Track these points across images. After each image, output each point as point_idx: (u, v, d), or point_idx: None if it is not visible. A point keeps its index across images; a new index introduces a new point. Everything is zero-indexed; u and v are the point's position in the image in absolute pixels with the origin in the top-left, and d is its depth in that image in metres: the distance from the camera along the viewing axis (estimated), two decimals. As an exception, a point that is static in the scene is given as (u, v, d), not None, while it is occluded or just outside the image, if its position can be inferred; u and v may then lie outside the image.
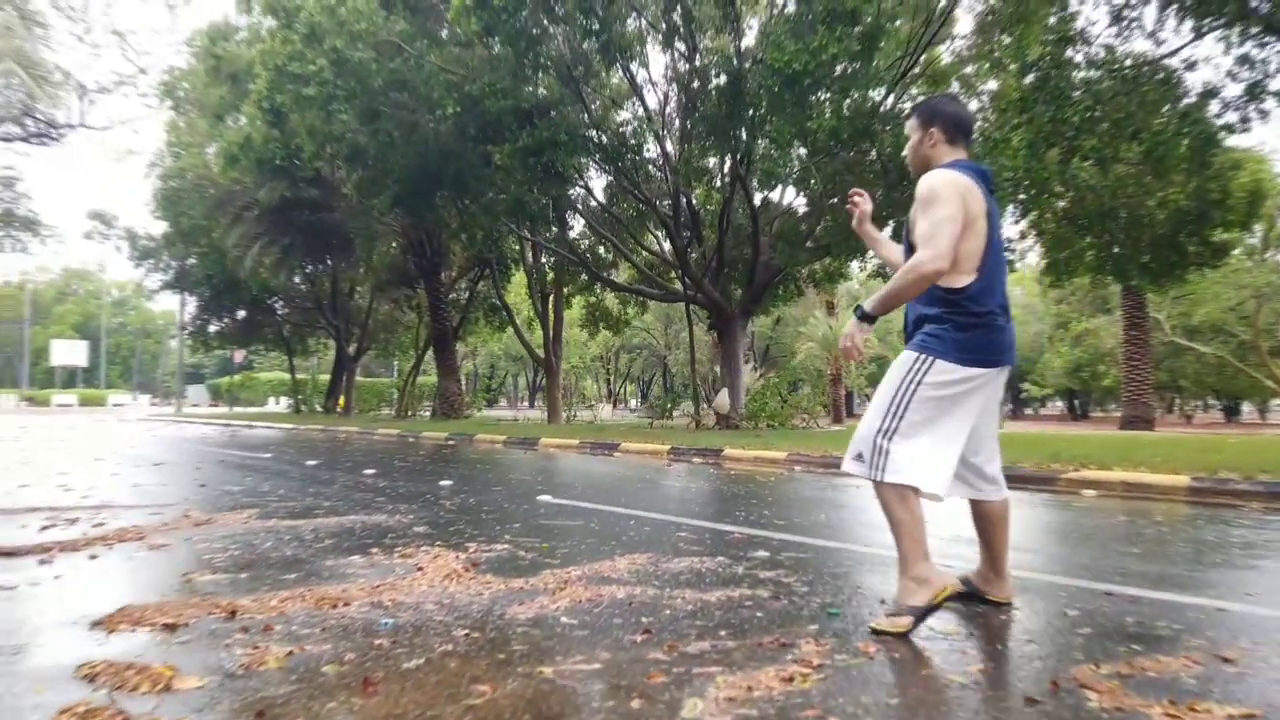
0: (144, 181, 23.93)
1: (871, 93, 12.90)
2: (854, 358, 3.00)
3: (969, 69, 14.50)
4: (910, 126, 3.14)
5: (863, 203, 3.32)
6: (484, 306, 25.26)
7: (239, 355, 35.91)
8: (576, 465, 10.27)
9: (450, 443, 14.43)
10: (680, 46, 14.35)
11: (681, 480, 8.26)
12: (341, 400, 27.00)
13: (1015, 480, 5.39)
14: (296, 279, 25.42)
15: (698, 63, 14.44)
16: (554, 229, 17.85)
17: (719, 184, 16.89)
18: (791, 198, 17.20)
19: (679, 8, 13.44)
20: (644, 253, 19.02)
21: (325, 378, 31.90)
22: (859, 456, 2.92)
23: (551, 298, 21.23)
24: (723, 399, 16.70)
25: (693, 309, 19.54)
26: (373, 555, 4.09)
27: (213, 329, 28.96)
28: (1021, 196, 11.93)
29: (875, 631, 2.75)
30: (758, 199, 16.05)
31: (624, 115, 16.39)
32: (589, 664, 2.44)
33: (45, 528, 4.89)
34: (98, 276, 57.99)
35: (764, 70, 11.49)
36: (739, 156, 14.54)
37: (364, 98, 13.20)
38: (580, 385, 44.17)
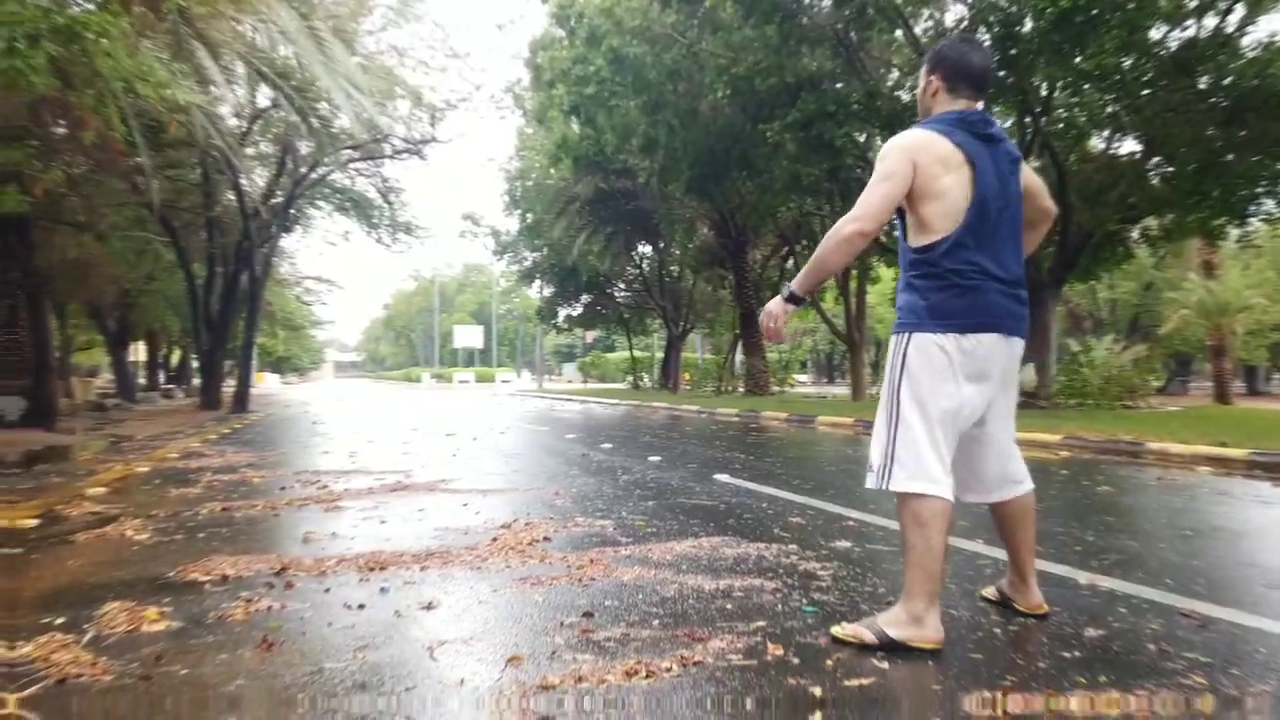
0: (499, 184, 26.85)
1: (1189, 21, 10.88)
2: (776, 340, 2.82)
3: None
4: (922, 70, 2.81)
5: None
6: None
7: (589, 336, 39.37)
8: (825, 444, 10.06)
9: (735, 419, 14.78)
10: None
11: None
12: (687, 375, 28.53)
13: None
14: (624, 264, 27.26)
15: (965, 14, 13.16)
16: (836, 202, 17.33)
17: (1016, 138, 15.24)
18: (1104, 146, 15.01)
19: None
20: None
21: (661, 355, 33.84)
22: (870, 466, 2.64)
23: (855, 273, 20.64)
24: (1028, 374, 15.15)
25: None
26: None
27: (562, 313, 32.06)
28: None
29: (834, 638, 2.54)
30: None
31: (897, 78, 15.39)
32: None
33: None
34: (489, 269, 67.00)
35: (1034, 11, 10.21)
36: (1031, 108, 13.04)
37: (642, 90, 13.87)
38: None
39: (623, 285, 30.98)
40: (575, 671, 2.26)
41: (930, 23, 13.72)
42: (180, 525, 4.61)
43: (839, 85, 13.58)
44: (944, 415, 2.55)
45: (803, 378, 45.12)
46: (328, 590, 3.18)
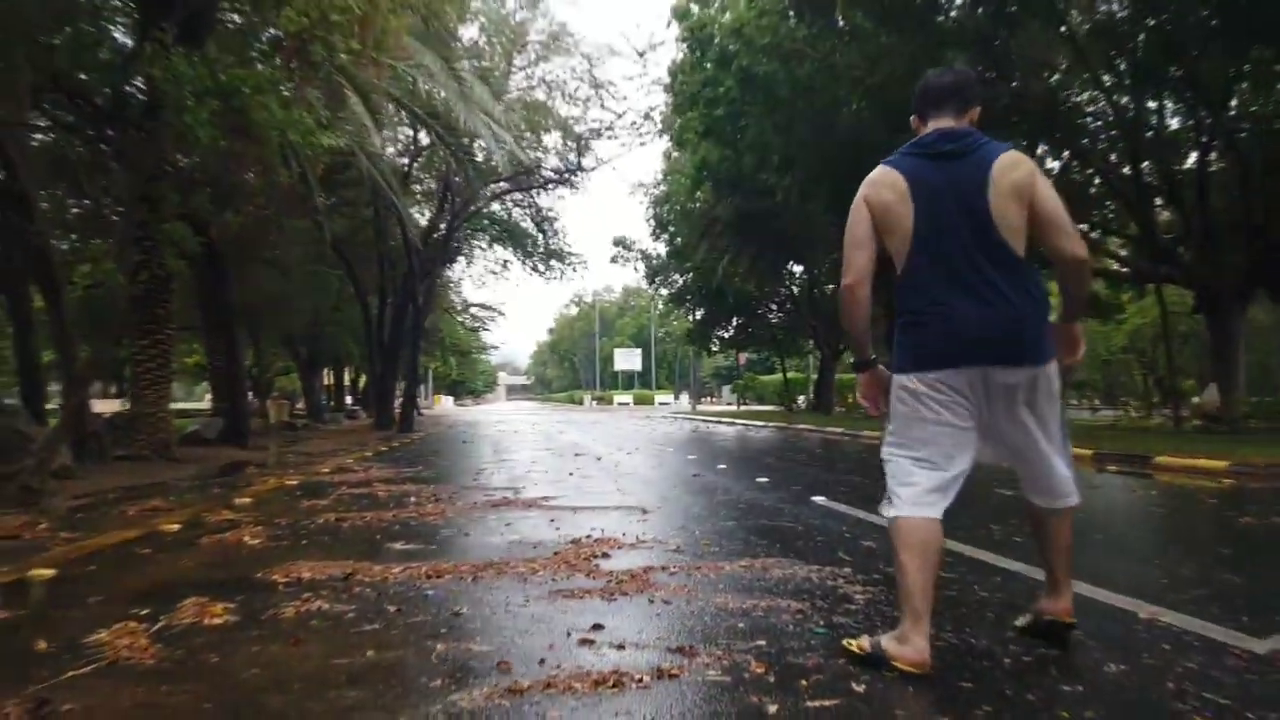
0: (646, 209, 27.40)
1: None
2: (874, 412, 2.74)
3: None
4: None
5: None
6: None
7: (743, 358, 39.28)
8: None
9: (875, 443, 14.39)
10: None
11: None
12: (853, 396, 27.97)
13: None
14: (774, 284, 27.02)
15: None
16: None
17: (1192, 134, 14.06)
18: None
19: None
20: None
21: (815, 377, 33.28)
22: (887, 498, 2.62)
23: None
24: (1210, 394, 13.91)
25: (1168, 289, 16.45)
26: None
27: (714, 335, 32.14)
28: None
29: (844, 649, 2.57)
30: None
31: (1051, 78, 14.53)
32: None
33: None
34: (646, 293, 68.10)
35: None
36: (1207, 102, 12.02)
37: (774, 108, 13.83)
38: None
39: (774, 306, 30.79)
40: (549, 679, 2.36)
41: (1085, 15, 12.91)
42: (293, 533, 5.04)
43: (985, 89, 13.03)
44: (926, 441, 2.53)
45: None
46: (378, 595, 3.42)
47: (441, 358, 40.57)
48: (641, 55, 19.78)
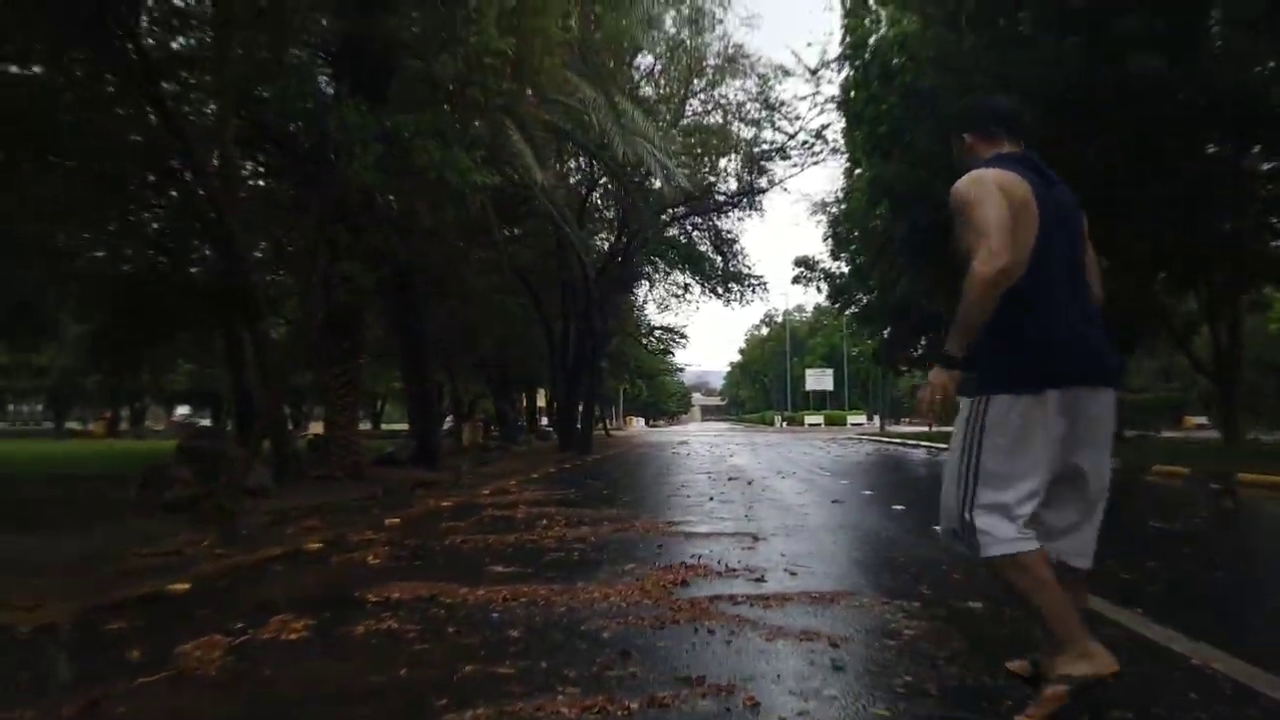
0: (826, 228, 26.86)
1: None
2: (930, 419, 2.54)
3: None
4: (954, 141, 2.71)
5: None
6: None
7: (935, 377, 37.29)
8: (1147, 495, 8.72)
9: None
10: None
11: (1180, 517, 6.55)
12: None
13: None
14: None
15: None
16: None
17: None
18: None
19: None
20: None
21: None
22: (953, 533, 2.45)
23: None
24: None
25: None
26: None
27: (902, 354, 30.89)
28: None
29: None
30: None
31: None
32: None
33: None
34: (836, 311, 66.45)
35: None
36: None
37: (935, 123, 13.20)
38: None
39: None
40: (548, 706, 2.38)
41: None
42: (413, 554, 5.35)
43: (1173, 88, 11.86)
44: (1037, 464, 2.42)
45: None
46: (448, 616, 3.56)
47: (630, 380, 41.57)
48: (814, 73, 19.39)
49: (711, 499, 8.56)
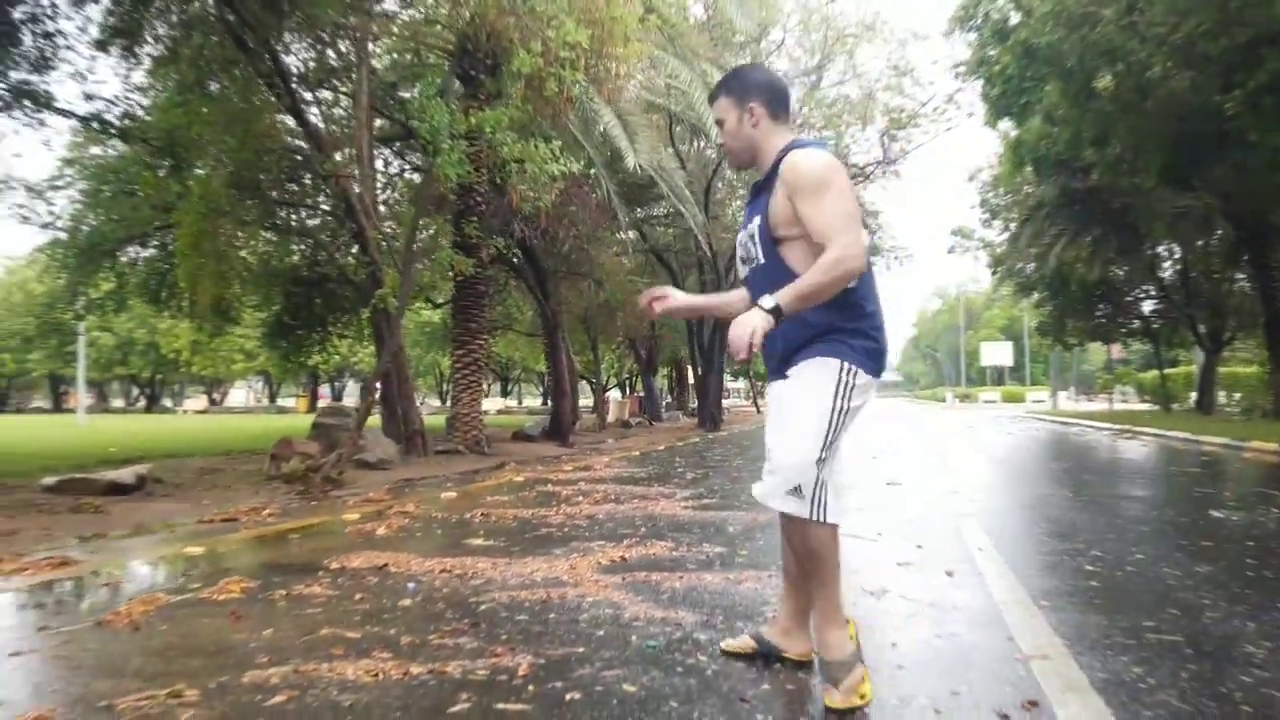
0: (977, 195, 25.50)
1: None
2: (745, 358, 2.39)
3: None
4: (721, 107, 2.63)
5: (662, 301, 2.81)
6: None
7: (1115, 350, 34.67)
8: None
9: (1221, 451, 12.25)
10: None
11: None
12: (1239, 394, 24.01)
13: None
14: (1137, 270, 23.71)
15: None
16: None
17: None
18: None
19: None
20: None
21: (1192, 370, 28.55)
22: (797, 490, 2.42)
23: None
24: None
25: None
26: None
27: (1070, 325, 28.94)
28: None
29: (830, 710, 2.33)
30: None
31: None
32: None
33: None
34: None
35: None
36: None
37: (1064, 79, 12.31)
38: None
39: (1150, 292, 26.97)
40: (343, 669, 2.68)
41: None
42: (425, 526, 5.80)
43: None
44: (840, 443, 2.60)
45: None
46: (381, 584, 3.93)
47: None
48: (947, 37, 18.43)
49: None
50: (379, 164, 16.05)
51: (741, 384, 51.73)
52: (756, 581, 3.86)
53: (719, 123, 2.65)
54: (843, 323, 2.45)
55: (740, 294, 2.78)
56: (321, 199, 16.12)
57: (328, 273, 17.30)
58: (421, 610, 3.44)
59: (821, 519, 2.41)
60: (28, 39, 10.24)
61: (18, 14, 9.98)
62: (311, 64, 14.08)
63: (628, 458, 12.21)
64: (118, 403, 62.23)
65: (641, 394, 35.51)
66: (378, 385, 11.70)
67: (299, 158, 14.39)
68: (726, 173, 22.49)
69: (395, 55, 15.21)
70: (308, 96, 14.20)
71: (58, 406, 56.56)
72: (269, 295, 18.42)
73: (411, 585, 3.89)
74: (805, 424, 2.43)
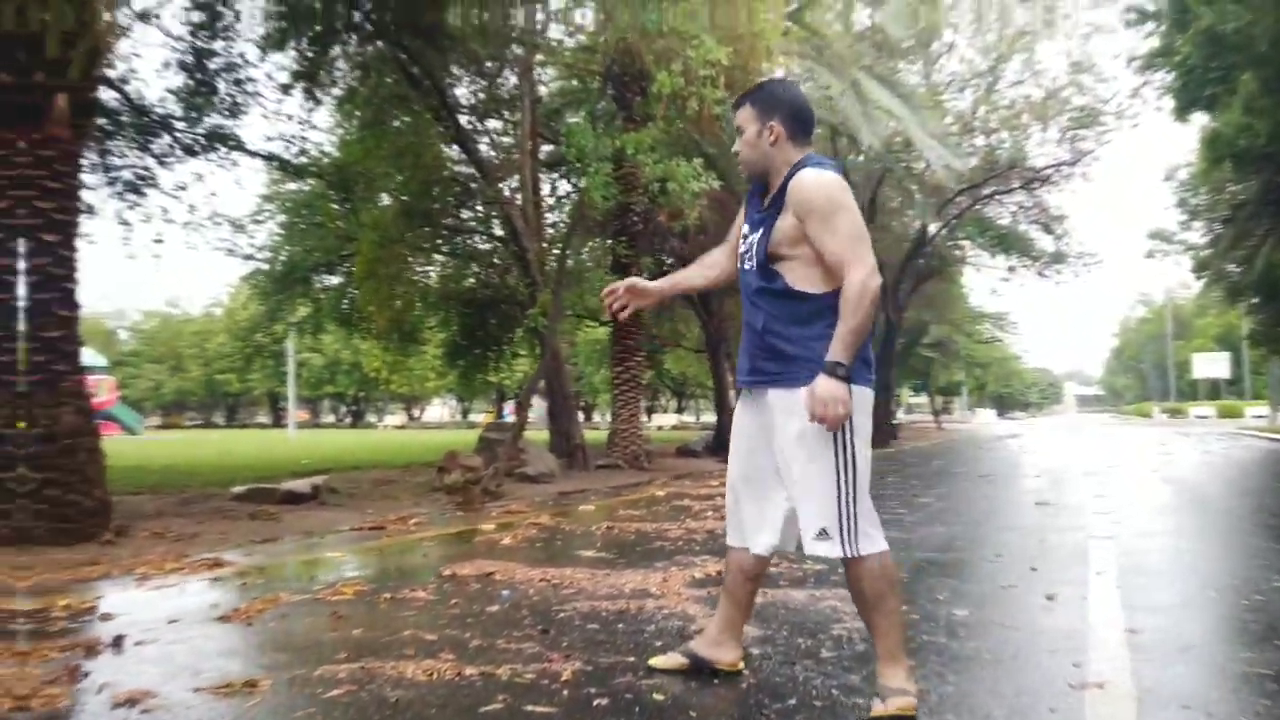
0: (1175, 195, 23.42)
1: None
2: (835, 428, 2.35)
3: None
4: (743, 117, 2.59)
5: (626, 295, 2.85)
6: None
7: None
8: None
9: None
10: None
11: None
12: None
13: None
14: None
15: None
16: None
17: None
18: None
19: None
20: None
21: None
22: (823, 533, 2.40)
23: None
24: None
25: None
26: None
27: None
28: None
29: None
30: None
31: None
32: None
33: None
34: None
35: None
36: None
37: (1258, 65, 11.08)
38: None
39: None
40: (407, 668, 2.85)
41: None
42: (557, 536, 6.03)
43: None
44: None
45: None
46: (479, 591, 4.12)
47: (965, 370, 39.30)
48: (1128, 25, 17.02)
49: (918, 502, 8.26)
50: (545, 187, 16.69)
51: (923, 398, 49.75)
52: (838, 599, 3.76)
53: (739, 130, 2.63)
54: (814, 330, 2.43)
55: (710, 261, 2.88)
56: (494, 224, 16.99)
57: (498, 295, 18.19)
58: (503, 616, 3.59)
59: (857, 553, 2.37)
60: (222, 86, 11.45)
61: (213, 65, 11.20)
62: (481, 95, 14.97)
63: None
64: (328, 418, 67.72)
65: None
66: (530, 402, 12.17)
67: (473, 185, 15.22)
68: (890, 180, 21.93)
69: (561, 83, 15.89)
70: (478, 126, 15.12)
71: (276, 422, 62.37)
72: (447, 317, 19.56)
73: (505, 593, 4.06)
74: (815, 460, 2.39)
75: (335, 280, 17.51)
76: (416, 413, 69.17)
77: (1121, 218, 63.12)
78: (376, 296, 13.90)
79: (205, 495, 9.13)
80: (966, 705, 2.47)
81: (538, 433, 15.65)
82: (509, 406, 62.49)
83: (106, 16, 6.85)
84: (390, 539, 6.15)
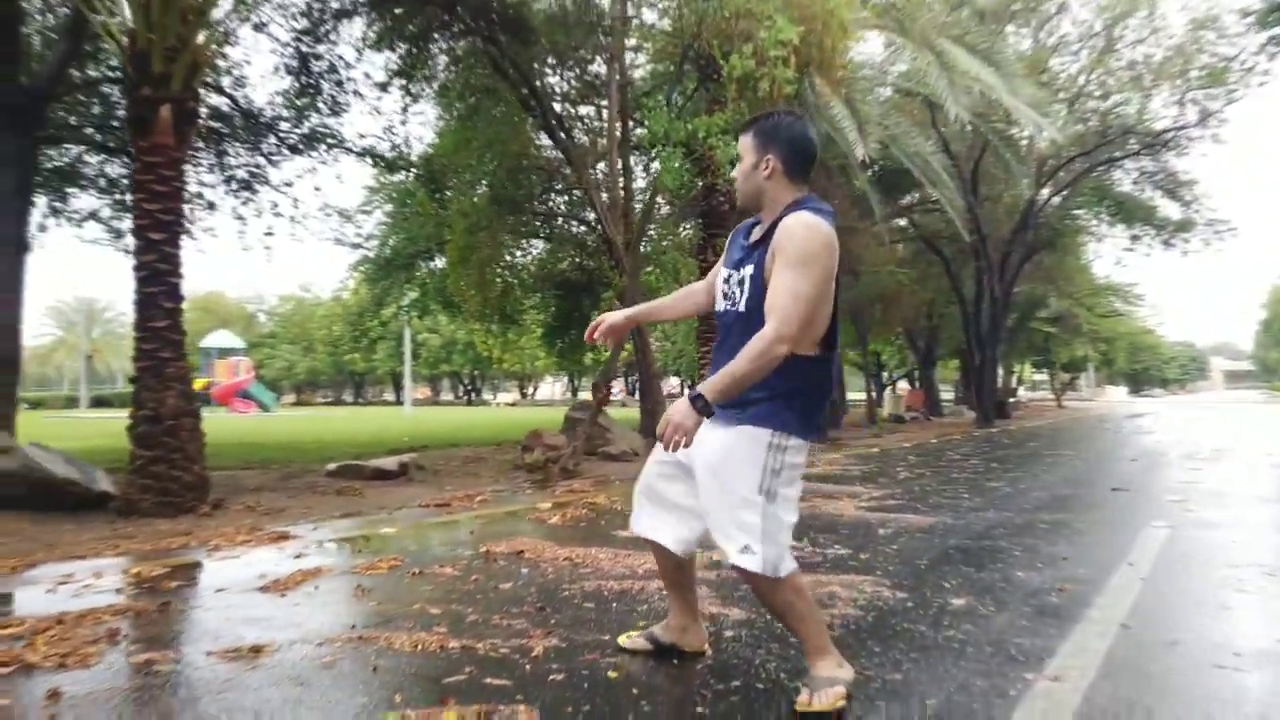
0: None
1: None
2: (676, 450, 2.38)
3: None
4: (744, 145, 2.55)
5: (606, 326, 2.85)
6: None
7: None
8: None
9: None
10: None
11: None
12: None
13: None
14: None
15: None
16: None
17: None
18: None
19: None
20: None
21: None
22: (746, 549, 2.45)
23: None
24: None
25: None
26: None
27: None
28: None
29: (803, 715, 2.38)
30: None
31: None
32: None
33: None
34: None
35: None
36: None
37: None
38: None
39: None
40: (414, 639, 3.12)
41: None
42: (603, 516, 6.24)
43: None
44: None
45: None
46: (504, 568, 4.37)
47: (1089, 345, 37.46)
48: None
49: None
50: (638, 170, 16.85)
51: (1043, 375, 47.68)
52: (843, 586, 3.83)
53: (738, 156, 2.61)
54: (779, 383, 2.39)
55: (686, 293, 2.89)
56: (585, 209, 17.29)
57: (591, 278, 18.52)
58: (510, 594, 3.82)
59: (776, 573, 2.44)
60: (326, 87, 12.13)
61: (317, 67, 11.88)
62: (573, 82, 15.26)
63: (863, 454, 11.97)
64: (447, 396, 70.27)
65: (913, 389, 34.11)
66: (609, 383, 12.43)
67: (565, 171, 15.55)
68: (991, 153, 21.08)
69: (652, 66, 16.00)
70: (570, 112, 15.42)
71: (398, 399, 65.23)
72: (544, 300, 20.06)
73: (524, 571, 4.30)
74: (734, 488, 2.46)
75: (438, 264, 18.20)
76: (530, 390, 70.92)
77: (1265, 181, 58.26)
78: (470, 280, 14.43)
79: (304, 471, 9.81)
80: (904, 694, 2.54)
81: (628, 411, 15.93)
82: (617, 385, 63.65)
83: (203, 35, 7.42)
84: (452, 515, 6.51)
